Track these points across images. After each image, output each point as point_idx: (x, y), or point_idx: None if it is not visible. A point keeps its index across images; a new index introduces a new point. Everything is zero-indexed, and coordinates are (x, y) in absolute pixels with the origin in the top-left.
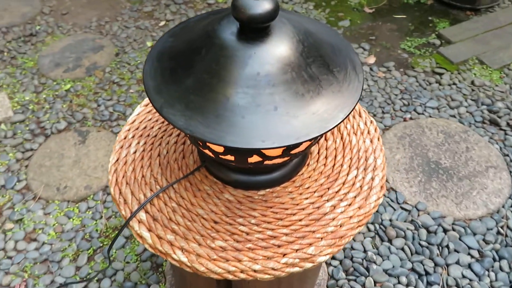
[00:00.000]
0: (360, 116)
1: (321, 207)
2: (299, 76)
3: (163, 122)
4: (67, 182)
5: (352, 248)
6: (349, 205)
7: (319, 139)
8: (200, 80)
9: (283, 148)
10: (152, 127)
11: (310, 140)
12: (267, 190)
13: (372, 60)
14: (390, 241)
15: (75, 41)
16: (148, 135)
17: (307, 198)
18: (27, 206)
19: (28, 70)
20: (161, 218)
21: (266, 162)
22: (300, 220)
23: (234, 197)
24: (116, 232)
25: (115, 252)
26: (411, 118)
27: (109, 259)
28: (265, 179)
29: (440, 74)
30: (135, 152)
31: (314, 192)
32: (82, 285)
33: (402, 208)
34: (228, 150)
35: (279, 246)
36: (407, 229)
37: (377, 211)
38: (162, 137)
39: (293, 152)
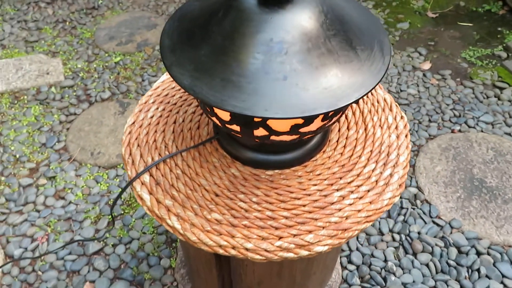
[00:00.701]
0: (390, 109)
1: (329, 195)
2: (316, 47)
3: (184, 91)
4: (101, 148)
5: (372, 255)
6: (360, 198)
7: (335, 121)
8: (213, 42)
9: (291, 124)
10: (174, 95)
11: (316, 116)
12: (276, 171)
13: (427, 66)
14: (415, 254)
15: (132, 18)
16: (168, 102)
17: (315, 185)
18: (62, 165)
19: (84, 40)
20: (164, 183)
21: (273, 137)
22: (304, 205)
23: (241, 173)
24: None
25: (134, 221)
26: (460, 131)
27: (112, 218)
28: (275, 159)
29: (501, 89)
30: (152, 117)
31: (325, 179)
32: (98, 247)
33: (434, 222)
34: (234, 118)
35: (276, 228)
36: (436, 245)
37: (405, 222)
38: (181, 106)
39: (302, 130)
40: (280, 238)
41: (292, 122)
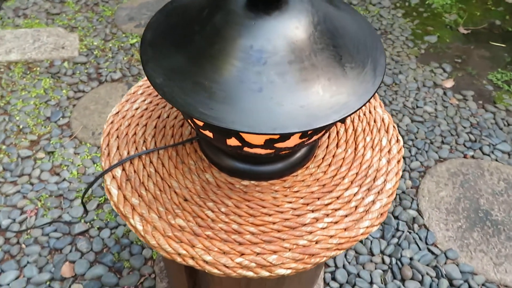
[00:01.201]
0: (386, 131)
1: (302, 216)
2: (298, 61)
3: None
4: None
5: (358, 275)
6: (335, 223)
7: (315, 139)
8: (193, 42)
9: (265, 138)
10: None
11: (287, 134)
12: (252, 182)
13: (449, 83)
14: (403, 280)
15: (154, 0)
16: (157, 95)
17: (290, 202)
18: (62, 141)
19: (104, 18)
20: (134, 180)
21: (246, 149)
22: (274, 223)
23: (215, 180)
24: None
25: None
26: (473, 157)
27: (84, 206)
28: (252, 170)
29: None
30: (137, 109)
31: (301, 198)
32: (84, 228)
33: (429, 249)
34: (206, 124)
35: (240, 244)
36: (427, 273)
37: (399, 245)
38: None
39: (278, 145)
40: (242, 254)
41: (266, 136)
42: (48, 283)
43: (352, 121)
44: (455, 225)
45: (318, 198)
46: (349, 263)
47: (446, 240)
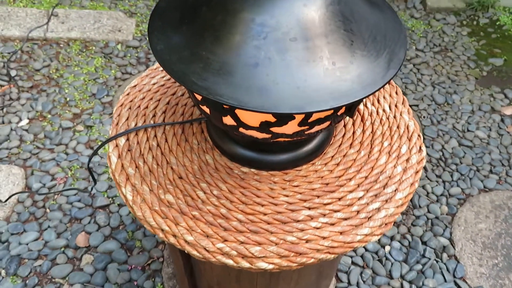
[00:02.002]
0: (409, 139)
1: (296, 211)
2: (302, 39)
3: None
4: None
5: None
6: (331, 224)
7: (318, 131)
8: (199, 13)
9: (260, 120)
10: None
11: (284, 116)
12: (252, 170)
13: (509, 111)
14: None
15: None
16: None
17: (286, 196)
18: (102, 118)
19: None
20: (135, 150)
21: (242, 130)
22: (265, 214)
23: (214, 162)
24: None
25: None
26: None
27: (91, 173)
28: (252, 157)
29: None
30: (154, 84)
31: (300, 193)
32: (106, 202)
33: (456, 283)
34: (204, 99)
35: (225, 229)
36: None
37: (422, 272)
38: None
39: (274, 130)
40: (225, 241)
41: (261, 117)
42: (62, 249)
43: (372, 123)
44: (490, 262)
45: (318, 196)
46: (364, 281)
47: (478, 276)
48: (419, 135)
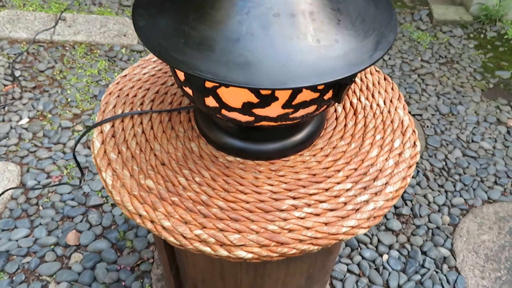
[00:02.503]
0: (403, 133)
1: (280, 200)
2: (286, 15)
3: None
4: None
5: None
6: (315, 214)
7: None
8: None
9: (242, 100)
10: None
11: (255, 89)
12: (238, 159)
13: None
14: None
15: None
16: None
17: (271, 185)
18: None
19: None
20: (119, 136)
21: (224, 112)
22: (247, 202)
23: (199, 150)
24: None
25: None
26: None
27: (75, 159)
28: (238, 145)
29: None
30: (145, 74)
31: (285, 183)
32: (99, 202)
33: None
34: (187, 79)
35: (204, 216)
36: None
37: (421, 283)
38: None
39: (257, 112)
40: (203, 228)
41: (243, 98)
42: (52, 246)
43: (365, 117)
44: (493, 275)
45: (304, 187)
46: None
47: None
48: (414, 131)
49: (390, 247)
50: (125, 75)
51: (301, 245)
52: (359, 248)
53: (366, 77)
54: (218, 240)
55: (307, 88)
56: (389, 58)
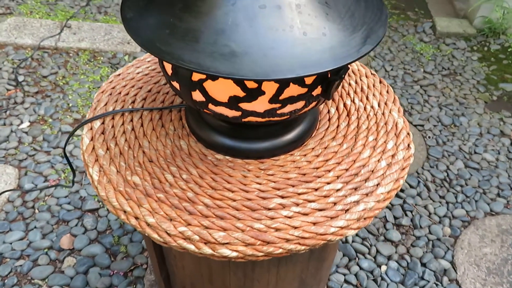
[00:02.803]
0: (397, 135)
1: (268, 199)
2: (272, 7)
3: None
4: None
5: None
6: (303, 214)
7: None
8: None
9: (229, 94)
10: None
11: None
12: (227, 157)
13: None
14: None
15: None
16: None
17: (259, 184)
18: None
19: None
20: (108, 133)
21: (211, 106)
22: (234, 200)
23: (188, 148)
24: None
25: None
26: None
27: (66, 157)
28: (228, 144)
29: None
30: (139, 73)
31: (274, 182)
32: (95, 206)
33: None
34: (174, 73)
35: (189, 213)
36: None
37: None
38: None
39: (243, 106)
40: (188, 225)
41: (229, 91)
42: (46, 250)
43: (358, 118)
44: None
45: (293, 186)
46: None
47: None
48: (408, 133)
49: (389, 258)
50: (119, 74)
51: (287, 245)
52: (357, 258)
53: (361, 79)
54: (203, 237)
55: (293, 81)
56: (392, 69)
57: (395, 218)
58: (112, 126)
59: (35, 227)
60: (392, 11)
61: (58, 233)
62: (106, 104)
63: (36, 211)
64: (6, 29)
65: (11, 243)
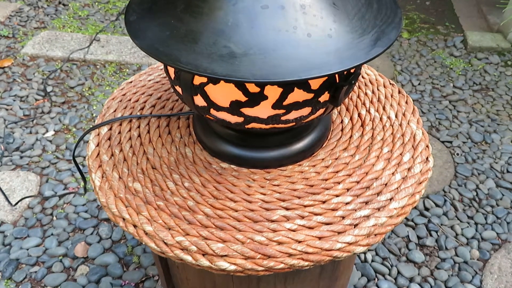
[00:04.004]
0: (414, 148)
1: (271, 210)
2: (276, 8)
3: None
4: None
5: None
6: (309, 227)
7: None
8: None
9: (230, 99)
10: None
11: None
12: (232, 166)
13: None
14: None
15: None
16: None
17: (264, 194)
18: None
19: None
20: (114, 139)
21: (213, 112)
22: (236, 211)
23: (193, 155)
24: None
25: None
26: None
27: (75, 163)
28: (234, 152)
29: None
30: (150, 80)
31: (279, 192)
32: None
33: None
34: (177, 78)
35: (189, 222)
36: None
37: None
38: None
39: (246, 112)
40: (186, 234)
41: (231, 96)
42: (60, 257)
43: (373, 129)
44: None
45: (299, 197)
46: None
47: None
48: (427, 146)
49: (411, 280)
50: (131, 81)
51: (289, 260)
52: (376, 279)
53: (378, 89)
54: (200, 248)
55: (297, 85)
56: (419, 84)
57: (419, 238)
58: (119, 132)
59: (52, 234)
60: (421, 25)
61: (73, 240)
62: (115, 111)
63: (54, 218)
64: (39, 42)
65: (27, 249)
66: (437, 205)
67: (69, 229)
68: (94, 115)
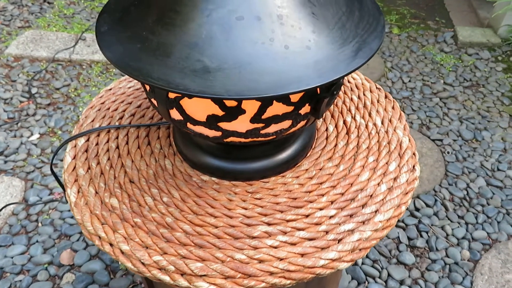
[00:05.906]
0: (400, 156)
1: (252, 226)
2: (251, 19)
3: None
4: None
5: None
6: (290, 244)
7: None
8: None
9: (207, 113)
10: None
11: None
12: (213, 178)
13: None
14: None
15: None
16: None
17: (245, 209)
18: None
19: None
20: (91, 151)
21: (190, 125)
22: (216, 227)
23: (173, 168)
24: None
25: None
26: None
27: (54, 174)
28: (213, 164)
29: None
30: (130, 87)
31: (261, 206)
32: None
33: None
34: (152, 90)
35: (167, 240)
36: None
37: None
38: None
39: (223, 126)
40: (164, 253)
41: (207, 110)
42: (45, 265)
43: (359, 137)
44: None
45: (281, 212)
46: None
47: None
48: (414, 154)
49: (402, 282)
50: (110, 89)
51: (271, 278)
52: (366, 282)
53: (365, 94)
54: (178, 268)
55: (276, 99)
56: (410, 81)
57: (409, 239)
58: (97, 144)
59: (37, 241)
60: (411, 20)
61: (59, 247)
62: (93, 120)
63: (39, 224)
64: (23, 42)
65: (12, 257)
66: (427, 205)
67: (54, 236)
68: (80, 117)
